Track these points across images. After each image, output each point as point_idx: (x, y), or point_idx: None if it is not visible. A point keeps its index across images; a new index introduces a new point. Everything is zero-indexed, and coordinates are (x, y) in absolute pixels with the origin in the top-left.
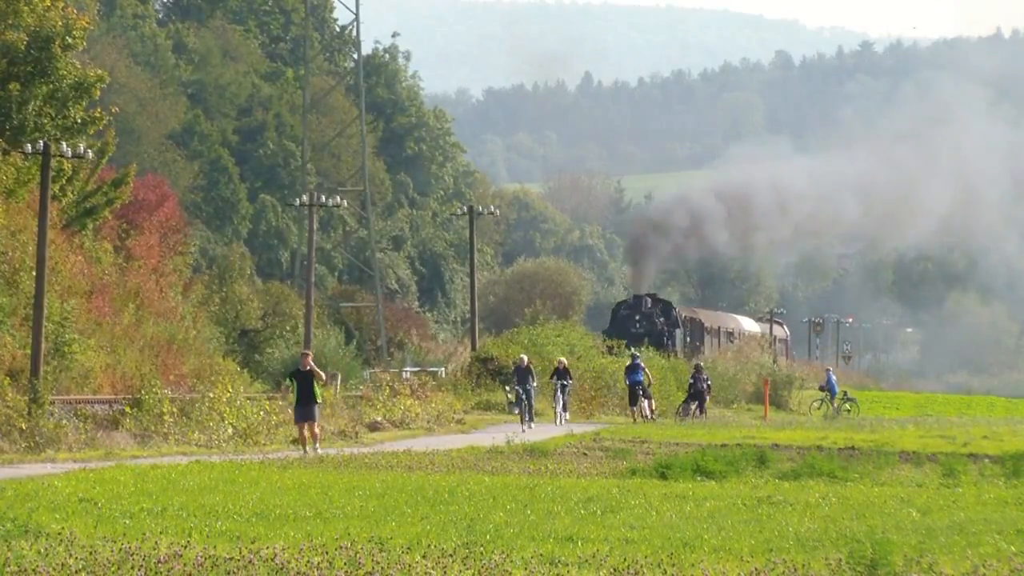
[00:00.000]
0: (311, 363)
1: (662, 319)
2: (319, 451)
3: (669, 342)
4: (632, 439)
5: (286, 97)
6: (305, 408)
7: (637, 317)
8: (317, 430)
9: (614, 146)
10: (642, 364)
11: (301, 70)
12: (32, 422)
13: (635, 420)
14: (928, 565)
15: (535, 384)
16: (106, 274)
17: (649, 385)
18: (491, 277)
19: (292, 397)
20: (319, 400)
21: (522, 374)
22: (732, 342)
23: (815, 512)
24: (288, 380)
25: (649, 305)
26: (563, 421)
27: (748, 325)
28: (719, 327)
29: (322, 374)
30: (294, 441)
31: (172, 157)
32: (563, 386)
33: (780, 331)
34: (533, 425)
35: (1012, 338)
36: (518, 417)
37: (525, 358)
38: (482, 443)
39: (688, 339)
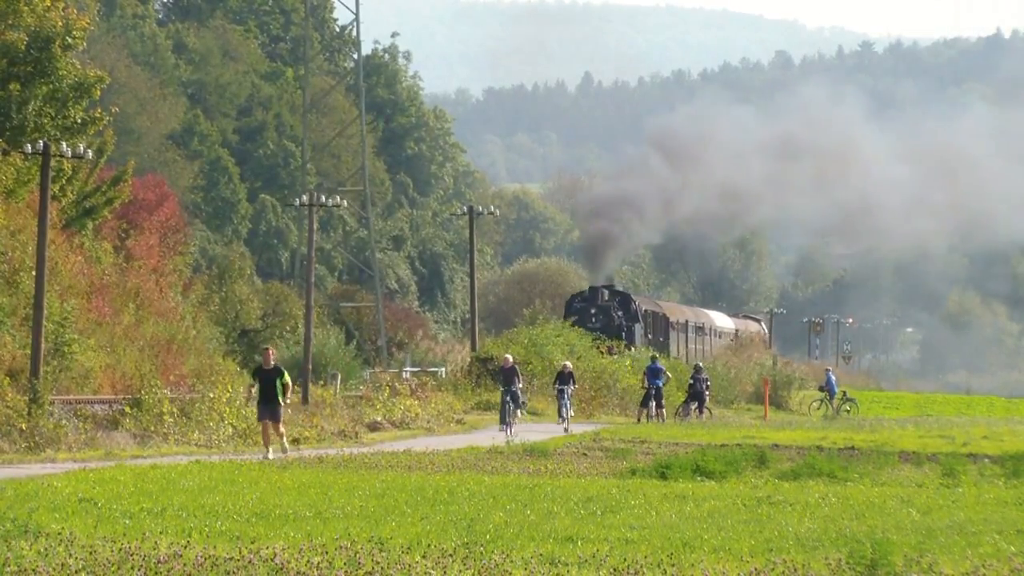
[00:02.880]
0: (273, 360)
1: (620, 312)
2: (287, 450)
3: (627, 337)
4: (632, 439)
5: (286, 97)
6: (266, 406)
7: (593, 310)
8: (283, 429)
9: (614, 146)
10: (663, 367)
11: (301, 70)
12: (32, 422)
13: (639, 420)
14: (928, 565)
15: (521, 385)
16: (106, 274)
17: (665, 384)
18: (491, 277)
19: (255, 394)
20: (282, 401)
21: (507, 375)
22: (701, 338)
23: (815, 512)
24: (251, 378)
25: (606, 297)
26: (567, 427)
27: (721, 321)
28: (686, 322)
29: (288, 381)
30: (294, 441)
31: (172, 157)
32: (562, 391)
33: (757, 327)
34: (519, 415)
35: (1012, 338)
36: (513, 419)
37: (510, 358)
38: (482, 443)
39: (650, 335)
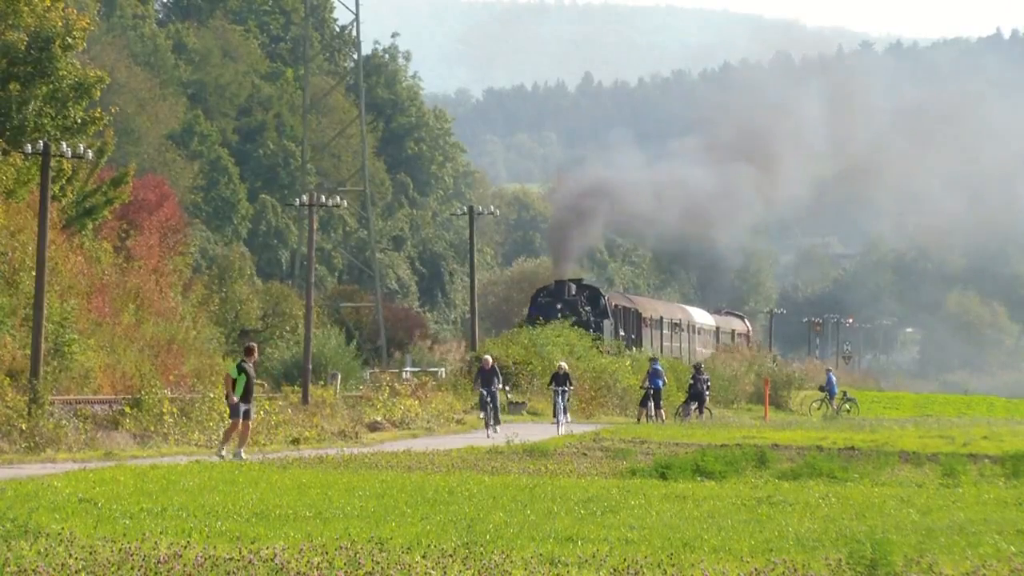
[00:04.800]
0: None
1: (588, 308)
2: (243, 455)
3: (596, 334)
4: (632, 439)
5: (286, 97)
6: (248, 406)
7: (559, 305)
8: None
9: (614, 146)
10: (661, 369)
11: (301, 70)
12: (32, 422)
13: (639, 420)
14: (928, 565)
15: (500, 386)
16: (106, 274)
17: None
18: (491, 277)
19: (238, 391)
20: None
21: (487, 376)
22: (678, 335)
23: (815, 512)
24: (236, 373)
25: (573, 292)
26: (564, 428)
27: (700, 317)
28: (661, 318)
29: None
30: (294, 441)
31: (172, 157)
32: (562, 392)
33: (740, 325)
34: (499, 429)
35: (1012, 338)
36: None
37: (490, 359)
38: (482, 443)
39: (621, 331)
